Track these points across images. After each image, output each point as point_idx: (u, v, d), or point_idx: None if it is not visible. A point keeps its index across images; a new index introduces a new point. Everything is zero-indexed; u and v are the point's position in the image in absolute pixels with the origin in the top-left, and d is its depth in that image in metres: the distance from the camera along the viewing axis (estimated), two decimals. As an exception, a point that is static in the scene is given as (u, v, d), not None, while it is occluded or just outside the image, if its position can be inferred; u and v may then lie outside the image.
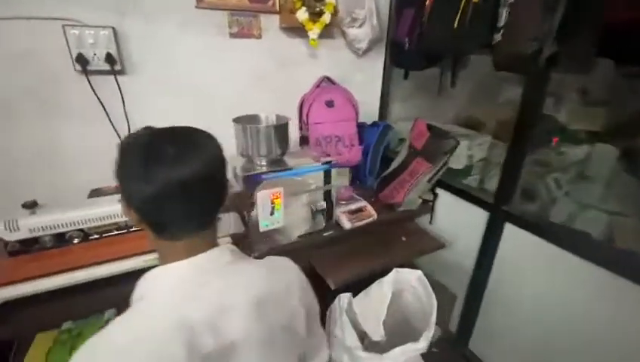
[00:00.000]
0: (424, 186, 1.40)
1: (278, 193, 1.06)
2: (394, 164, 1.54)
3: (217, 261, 0.54)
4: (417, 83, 1.65)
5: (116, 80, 1.17)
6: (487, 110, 1.79)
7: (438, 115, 1.77)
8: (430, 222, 1.57)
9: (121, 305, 0.53)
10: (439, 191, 1.51)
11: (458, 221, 1.47)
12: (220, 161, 0.55)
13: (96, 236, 0.98)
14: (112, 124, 1.20)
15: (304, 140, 1.53)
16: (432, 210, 1.54)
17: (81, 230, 0.96)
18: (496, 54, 1.01)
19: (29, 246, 0.91)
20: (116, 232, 1.01)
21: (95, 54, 1.11)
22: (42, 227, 0.90)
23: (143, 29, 1.18)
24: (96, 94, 1.15)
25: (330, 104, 1.49)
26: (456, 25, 1.07)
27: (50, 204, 0.96)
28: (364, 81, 1.70)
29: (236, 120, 1.03)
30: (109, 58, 1.13)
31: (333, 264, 1.19)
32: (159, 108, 1.29)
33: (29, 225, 0.89)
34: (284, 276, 0.60)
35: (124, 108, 1.21)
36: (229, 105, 1.37)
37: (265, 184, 1.03)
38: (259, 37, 1.39)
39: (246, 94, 1.44)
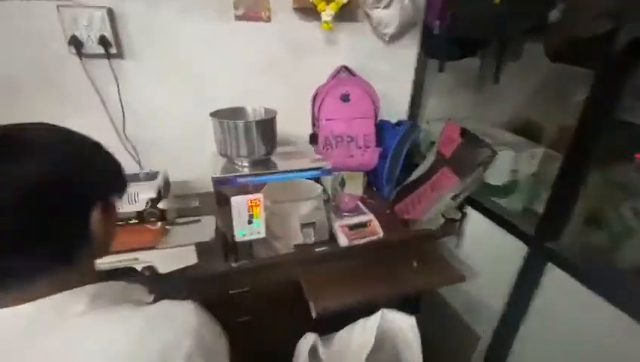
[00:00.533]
0: (448, 203, 1.15)
1: (256, 200, 0.91)
2: (416, 172, 1.31)
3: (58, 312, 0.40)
4: (458, 77, 1.36)
5: (110, 64, 1.11)
6: (549, 113, 1.43)
7: (483, 116, 1.47)
8: (457, 246, 1.31)
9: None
10: (469, 210, 1.24)
11: (489, 250, 1.19)
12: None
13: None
14: (107, 110, 1.16)
15: (314, 139, 1.36)
16: (459, 232, 1.28)
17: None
18: (551, 39, 0.73)
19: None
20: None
21: (89, 36, 1.06)
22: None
23: (142, 10, 1.11)
24: (90, 78, 1.10)
25: (345, 98, 1.30)
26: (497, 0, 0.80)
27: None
28: (391, 73, 1.46)
29: (215, 113, 0.90)
30: (103, 40, 1.07)
31: (321, 286, 1.02)
32: (157, 95, 1.22)
33: None
34: (164, 335, 0.42)
35: (119, 94, 1.15)
36: (232, 95, 1.25)
37: (242, 188, 0.90)
38: (267, 19, 1.24)
39: (251, 84, 1.31)
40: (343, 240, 1.06)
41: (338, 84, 1.33)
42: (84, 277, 0.44)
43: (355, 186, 1.38)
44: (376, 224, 1.12)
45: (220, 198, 0.89)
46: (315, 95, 1.36)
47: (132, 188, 0.96)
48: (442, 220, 1.21)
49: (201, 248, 0.95)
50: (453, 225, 1.26)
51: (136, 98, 1.20)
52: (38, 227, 0.39)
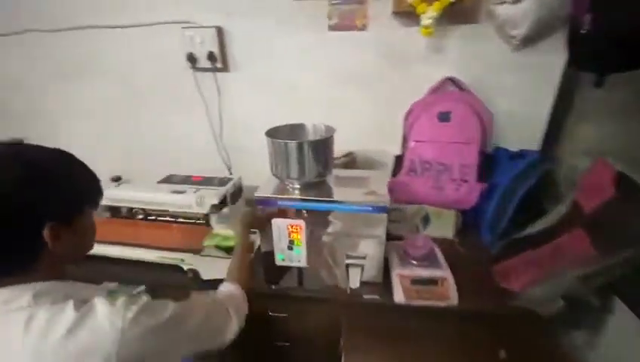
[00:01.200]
0: (572, 283, 0.77)
1: (297, 226, 0.83)
2: (538, 225, 0.95)
3: None
4: (625, 96, 0.89)
5: (215, 77, 1.24)
6: None
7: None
8: (584, 346, 0.87)
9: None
10: (616, 301, 0.80)
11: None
12: None
13: (152, 217, 1.09)
14: (209, 118, 1.30)
15: (398, 162, 1.17)
16: (591, 326, 0.85)
17: (144, 209, 1.08)
18: None
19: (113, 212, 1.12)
20: (167, 218, 1.09)
21: (201, 52, 1.20)
22: (118, 199, 1.07)
23: (244, 27, 1.19)
24: (199, 89, 1.26)
25: (444, 117, 1.06)
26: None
27: (133, 181, 1.14)
28: (520, 88, 1.10)
29: (273, 130, 0.86)
30: (211, 56, 1.20)
31: (361, 340, 0.85)
32: (251, 105, 1.30)
33: (112, 196, 1.08)
34: (86, 337, 0.45)
35: (219, 104, 1.28)
36: (324, 108, 1.22)
37: (286, 211, 0.83)
38: (362, 28, 1.13)
39: (341, 96, 1.23)
40: (398, 296, 0.86)
41: (438, 99, 1.09)
42: (41, 276, 0.48)
43: (444, 227, 1.11)
44: (450, 285, 0.86)
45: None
46: (409, 111, 1.16)
47: (202, 191, 1.04)
48: (561, 303, 0.82)
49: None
50: (581, 315, 0.84)
51: (234, 108, 1.30)
52: None
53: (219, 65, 1.22)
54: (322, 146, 0.83)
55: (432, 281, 0.87)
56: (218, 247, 0.96)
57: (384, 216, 0.80)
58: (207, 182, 1.10)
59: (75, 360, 0.44)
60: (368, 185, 0.88)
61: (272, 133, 0.83)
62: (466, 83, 1.11)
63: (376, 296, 0.88)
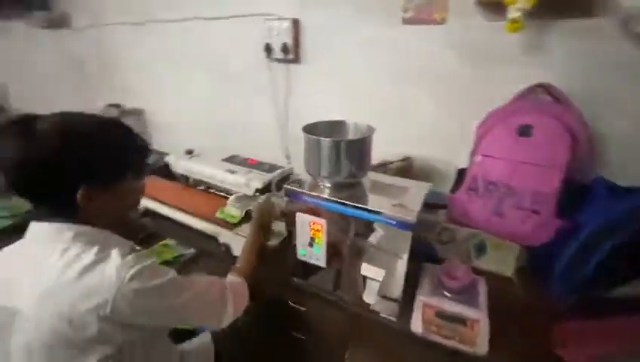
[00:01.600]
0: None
1: (318, 224, 0.81)
2: (630, 289, 0.72)
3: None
4: None
5: (286, 67, 1.29)
6: None
7: None
8: None
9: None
10: None
11: None
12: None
13: (211, 190, 1.22)
14: (276, 106, 1.36)
15: (460, 176, 1.03)
16: None
17: (205, 182, 1.22)
18: None
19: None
20: (222, 194, 1.20)
21: (277, 44, 1.26)
22: (187, 170, 1.23)
23: (318, 19, 1.20)
24: (271, 79, 1.33)
25: (524, 131, 0.88)
26: None
27: (204, 155, 1.28)
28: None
29: (312, 126, 0.83)
30: (285, 47, 1.25)
31: None
32: (318, 98, 1.31)
33: (184, 167, 1.24)
34: (93, 280, 0.53)
35: (286, 95, 1.33)
36: (389, 106, 1.16)
37: (312, 209, 0.81)
38: (441, 21, 1.01)
39: (410, 96, 1.14)
40: (415, 325, 0.76)
41: (521, 108, 0.91)
42: (83, 222, 0.59)
43: (502, 261, 0.93)
44: (481, 330, 0.72)
45: (290, 211, 0.86)
46: (484, 119, 1.00)
47: (251, 174, 1.10)
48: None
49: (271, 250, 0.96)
50: None
51: (300, 99, 1.34)
52: (35, 188, 0.56)
53: (290, 56, 1.26)
54: (357, 147, 0.78)
55: (460, 320, 0.74)
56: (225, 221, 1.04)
57: (408, 233, 0.71)
58: (259, 166, 1.17)
59: (80, 294, 0.52)
60: (404, 196, 0.79)
61: (310, 129, 0.82)
62: (564, 92, 0.89)
63: (392, 318, 0.81)
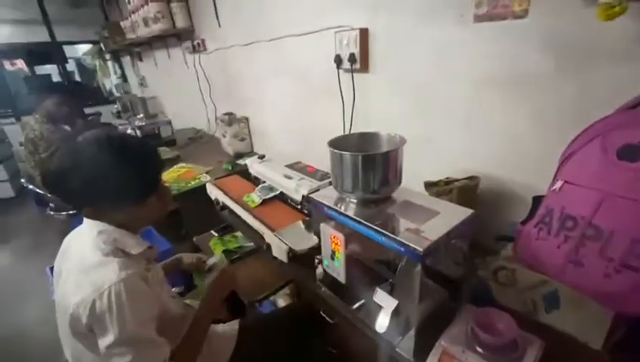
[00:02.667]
0: None
1: (337, 238, 0.79)
2: None
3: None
4: None
5: (352, 76, 1.29)
6: None
7: None
8: None
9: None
10: None
11: None
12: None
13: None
14: (343, 113, 1.37)
15: (535, 205, 0.82)
16: None
17: (270, 185, 1.33)
18: None
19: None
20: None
21: (345, 54, 1.27)
22: (257, 171, 1.37)
23: (385, 26, 1.15)
24: (340, 87, 1.35)
25: (628, 153, 0.66)
26: None
27: (273, 160, 1.40)
28: None
29: (337, 140, 0.80)
30: (352, 57, 1.25)
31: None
32: (384, 107, 1.27)
33: (256, 170, 1.39)
34: (95, 277, 0.64)
35: (353, 102, 1.32)
36: (458, 117, 1.05)
37: (334, 224, 0.80)
38: (521, 14, 0.83)
39: (483, 106, 0.97)
40: (429, 374, 0.65)
41: (629, 123, 0.67)
42: (111, 221, 0.71)
43: (584, 325, 0.70)
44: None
45: (316, 221, 0.86)
46: (576, 136, 0.77)
47: (303, 181, 1.15)
48: None
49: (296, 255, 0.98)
50: None
51: (366, 108, 1.31)
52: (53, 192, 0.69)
53: (357, 66, 1.25)
54: (380, 162, 0.72)
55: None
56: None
57: (417, 265, 0.62)
58: (314, 174, 1.21)
59: (77, 284, 0.64)
60: (430, 220, 0.69)
61: (340, 141, 0.80)
62: None
63: (409, 358, 0.71)
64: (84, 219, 0.73)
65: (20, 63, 5.73)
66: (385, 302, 0.72)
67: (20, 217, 3.36)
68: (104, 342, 0.62)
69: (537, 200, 0.82)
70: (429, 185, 1.05)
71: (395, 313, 0.71)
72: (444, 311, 0.77)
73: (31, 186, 2.15)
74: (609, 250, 0.63)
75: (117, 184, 0.67)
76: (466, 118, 1.02)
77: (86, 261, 0.67)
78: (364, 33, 1.21)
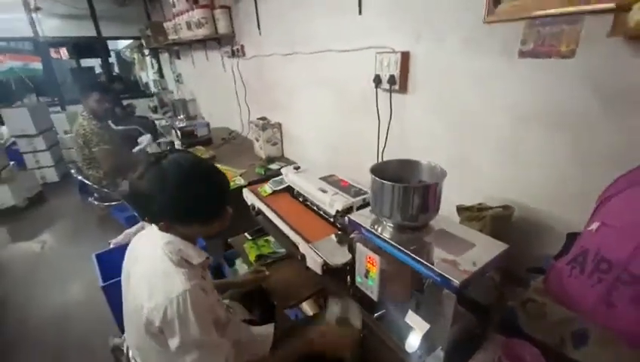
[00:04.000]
0: None
1: (372, 259, 0.84)
2: None
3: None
4: None
5: (390, 97, 1.33)
6: None
7: None
8: None
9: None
10: None
11: None
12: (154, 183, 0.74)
13: (307, 203, 1.39)
14: (379, 132, 1.42)
15: (570, 241, 0.84)
16: None
17: (303, 195, 1.40)
18: None
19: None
20: (315, 208, 1.35)
21: (385, 76, 1.32)
22: (292, 182, 1.44)
23: (429, 51, 1.18)
24: (377, 106, 1.39)
25: None
26: None
27: (308, 171, 1.47)
28: None
29: (379, 166, 0.85)
30: (392, 79, 1.29)
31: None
32: (419, 130, 1.30)
33: (291, 179, 1.46)
34: (166, 285, 0.72)
35: (389, 122, 1.36)
36: (494, 146, 1.08)
37: (366, 243, 0.86)
38: (569, 55, 0.84)
39: (520, 138, 0.99)
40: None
41: (672, 172, 0.68)
42: (177, 234, 0.81)
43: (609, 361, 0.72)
44: None
45: (353, 239, 0.92)
46: (618, 179, 0.78)
47: (337, 196, 1.21)
48: None
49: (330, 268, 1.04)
50: None
51: (401, 125, 1.35)
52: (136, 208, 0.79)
53: (395, 87, 1.29)
54: (420, 193, 0.77)
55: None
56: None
57: (452, 295, 0.66)
58: (347, 189, 1.26)
59: (151, 291, 0.73)
60: (465, 252, 0.73)
61: (380, 168, 0.85)
62: None
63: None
64: (154, 229, 0.82)
65: (62, 53, 6.09)
66: (416, 324, 0.77)
67: (63, 201, 3.61)
68: (173, 342, 0.71)
69: (572, 236, 0.84)
70: (462, 209, 1.09)
71: (427, 335, 0.76)
72: (472, 336, 0.81)
73: (80, 177, 2.32)
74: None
75: (195, 206, 0.78)
76: (503, 147, 1.04)
77: (158, 269, 0.75)
78: (405, 56, 1.25)
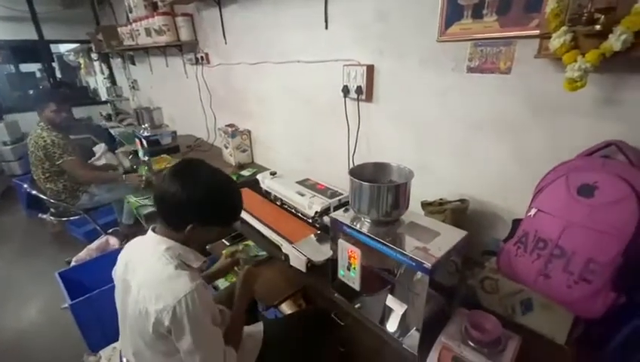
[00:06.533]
0: None
1: (354, 252, 0.94)
2: None
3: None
4: None
5: (358, 106, 1.45)
6: None
7: None
8: None
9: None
10: None
11: None
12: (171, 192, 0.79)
13: (284, 206, 1.46)
14: (349, 138, 1.53)
15: (514, 227, 1.00)
16: None
17: (281, 199, 1.47)
18: None
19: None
20: (292, 211, 1.42)
21: (353, 86, 1.44)
22: (269, 187, 1.50)
23: (390, 66, 1.32)
24: (346, 114, 1.50)
25: (586, 191, 0.84)
26: None
27: (284, 177, 1.54)
28: None
29: (355, 170, 0.96)
30: (359, 89, 1.41)
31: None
32: (384, 136, 1.43)
33: (267, 185, 1.52)
34: (173, 287, 0.76)
35: (358, 129, 1.48)
36: (450, 149, 1.22)
37: (347, 238, 0.95)
38: (506, 71, 1.01)
39: (472, 142, 1.15)
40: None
41: (586, 166, 0.86)
42: (181, 239, 0.84)
43: (553, 326, 0.89)
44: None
45: (334, 236, 1.01)
46: (547, 173, 0.96)
47: (314, 198, 1.29)
48: None
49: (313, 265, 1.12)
50: None
51: (368, 134, 1.47)
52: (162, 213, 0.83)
53: (363, 97, 1.41)
54: (393, 192, 0.88)
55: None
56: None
57: (425, 277, 0.78)
58: (324, 191, 1.35)
59: (157, 294, 0.76)
60: (433, 239, 0.86)
61: (358, 170, 0.96)
62: (645, 152, 0.80)
63: (412, 351, 0.87)
64: (150, 236, 0.86)
65: None
66: (395, 306, 0.88)
67: (7, 219, 3.29)
68: (185, 343, 0.75)
69: (516, 222, 1.00)
70: (425, 205, 1.23)
71: (404, 315, 0.87)
72: (441, 314, 0.94)
73: (34, 191, 2.16)
74: (570, 266, 0.81)
75: (224, 209, 0.86)
76: (458, 149, 1.20)
77: (161, 273, 0.78)
78: (370, 69, 1.37)
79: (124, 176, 2.34)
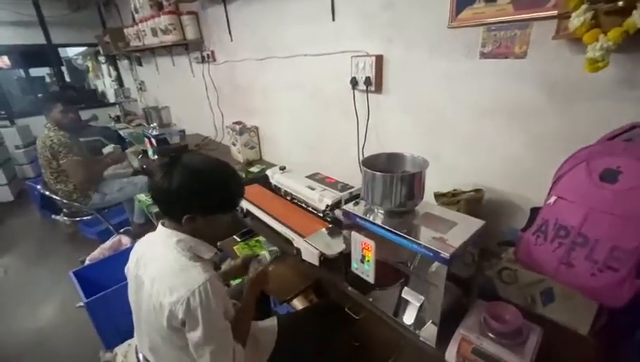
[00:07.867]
0: None
1: (368, 244, 0.93)
2: None
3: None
4: None
5: (367, 97, 1.43)
6: None
7: None
8: None
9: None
10: None
11: None
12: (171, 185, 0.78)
13: (294, 201, 1.45)
14: (358, 129, 1.51)
15: (533, 215, 0.97)
16: None
17: (291, 194, 1.46)
18: None
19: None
20: (303, 205, 1.41)
21: (361, 77, 1.41)
22: (279, 182, 1.49)
23: (400, 54, 1.29)
24: (355, 105, 1.48)
25: (609, 176, 0.81)
26: None
27: (293, 171, 1.53)
28: None
29: (369, 159, 0.95)
30: (367, 80, 1.39)
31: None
32: (395, 126, 1.40)
33: (277, 180, 1.51)
34: (185, 278, 0.75)
35: (367, 120, 1.46)
36: (463, 138, 1.19)
37: (361, 230, 0.94)
38: (521, 55, 0.98)
39: (486, 130, 1.12)
40: (450, 354, 0.80)
41: (609, 150, 0.82)
42: (190, 231, 0.84)
43: (575, 315, 0.87)
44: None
45: (347, 229, 1.00)
46: (566, 159, 0.92)
47: (325, 191, 1.28)
48: None
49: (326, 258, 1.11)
50: None
51: (378, 125, 1.45)
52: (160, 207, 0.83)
53: (372, 88, 1.39)
54: (407, 181, 0.86)
55: (497, 362, 0.74)
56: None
57: (444, 267, 0.76)
58: (334, 185, 1.34)
59: (170, 287, 0.75)
60: (450, 230, 0.83)
61: (371, 160, 0.94)
62: (671, 134, 0.76)
63: (431, 344, 0.85)
64: (160, 230, 0.86)
65: (2, 62, 5.50)
66: (412, 298, 0.86)
67: (22, 221, 3.35)
68: (195, 335, 0.75)
69: (534, 211, 0.97)
70: (439, 196, 1.20)
71: (421, 308, 0.85)
72: (458, 306, 0.92)
73: (47, 193, 2.19)
74: (594, 254, 0.78)
75: (222, 195, 0.84)
76: (470, 138, 1.17)
77: (174, 266, 0.78)
78: (379, 59, 1.35)
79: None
